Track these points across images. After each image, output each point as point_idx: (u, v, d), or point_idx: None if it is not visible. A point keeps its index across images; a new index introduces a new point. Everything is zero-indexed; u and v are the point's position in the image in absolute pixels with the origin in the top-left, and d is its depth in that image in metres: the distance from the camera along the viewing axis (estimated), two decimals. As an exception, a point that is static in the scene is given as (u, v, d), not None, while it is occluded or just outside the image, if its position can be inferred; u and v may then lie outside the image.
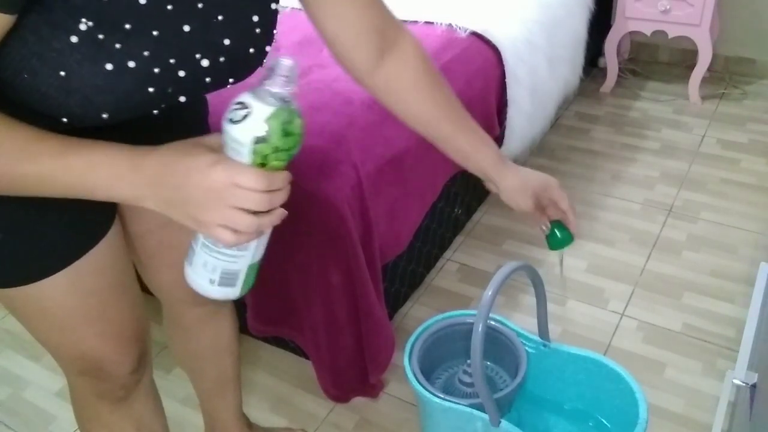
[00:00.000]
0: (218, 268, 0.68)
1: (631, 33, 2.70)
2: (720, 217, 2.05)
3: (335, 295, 1.33)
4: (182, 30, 0.66)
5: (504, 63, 1.84)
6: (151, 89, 0.67)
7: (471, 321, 1.21)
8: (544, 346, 1.16)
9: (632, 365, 1.55)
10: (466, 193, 1.95)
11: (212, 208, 0.61)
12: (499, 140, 1.92)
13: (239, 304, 1.36)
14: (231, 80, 0.76)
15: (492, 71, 1.81)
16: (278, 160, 0.63)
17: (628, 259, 1.90)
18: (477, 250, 1.97)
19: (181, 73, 0.69)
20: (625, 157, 2.36)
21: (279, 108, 0.61)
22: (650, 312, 1.72)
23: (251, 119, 0.60)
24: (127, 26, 0.62)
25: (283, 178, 0.63)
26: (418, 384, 1.11)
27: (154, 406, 1.09)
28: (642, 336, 1.65)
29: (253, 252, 0.69)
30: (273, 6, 0.74)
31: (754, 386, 1.05)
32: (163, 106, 0.71)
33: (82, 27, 0.60)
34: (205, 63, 0.70)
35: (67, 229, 0.78)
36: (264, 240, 0.69)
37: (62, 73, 0.62)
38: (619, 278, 1.83)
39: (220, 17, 0.69)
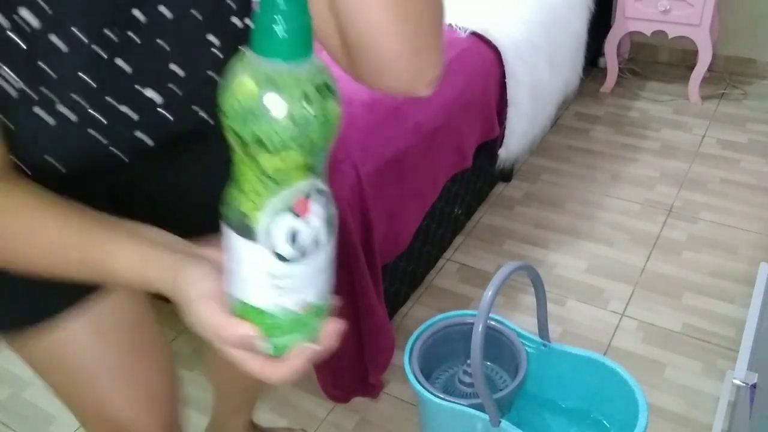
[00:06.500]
0: None
1: (631, 33, 2.70)
2: (720, 217, 2.05)
3: (335, 295, 1.33)
4: (116, 65, 0.59)
5: (504, 63, 1.84)
6: (98, 135, 0.61)
7: (471, 321, 1.21)
8: (544, 346, 1.16)
9: (632, 365, 1.55)
10: (466, 193, 1.95)
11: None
12: (499, 140, 1.93)
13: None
14: (201, 109, 0.68)
15: (492, 71, 1.81)
16: None
17: (628, 259, 1.90)
18: (477, 250, 1.97)
19: (134, 116, 0.62)
20: (625, 157, 2.36)
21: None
22: (650, 312, 1.72)
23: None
24: (54, 76, 0.56)
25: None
26: (418, 384, 1.11)
27: None
28: (642, 336, 1.65)
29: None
30: (236, 23, 0.65)
31: (754, 386, 1.05)
32: (131, 155, 0.65)
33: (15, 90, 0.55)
34: (157, 99, 0.63)
35: None
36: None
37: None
38: (619, 278, 1.83)
39: (159, 41, 0.61)
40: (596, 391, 1.15)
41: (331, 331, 0.52)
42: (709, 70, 2.63)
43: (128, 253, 0.55)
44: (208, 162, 0.74)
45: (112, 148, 0.62)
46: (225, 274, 0.51)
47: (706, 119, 2.57)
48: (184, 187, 0.79)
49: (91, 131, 0.60)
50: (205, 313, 0.50)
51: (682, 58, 2.92)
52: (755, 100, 2.68)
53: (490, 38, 1.83)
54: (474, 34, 1.81)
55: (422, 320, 1.27)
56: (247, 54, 0.43)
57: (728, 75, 2.83)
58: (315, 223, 0.48)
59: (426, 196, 1.60)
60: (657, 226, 2.02)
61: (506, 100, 1.88)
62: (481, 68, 1.77)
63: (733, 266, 1.85)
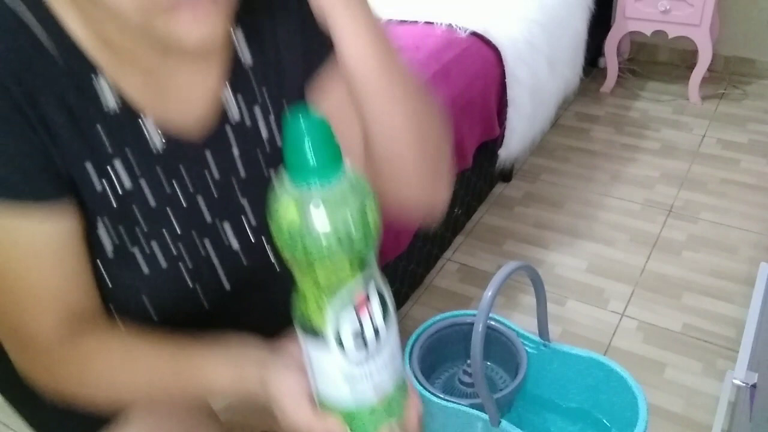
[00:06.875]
0: None
1: (631, 33, 2.70)
2: (720, 217, 2.05)
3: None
4: (196, 202, 0.65)
5: (504, 63, 1.84)
6: (186, 277, 0.65)
7: (471, 321, 1.21)
8: (544, 346, 1.16)
9: (632, 365, 1.55)
10: (466, 193, 1.95)
11: None
12: (499, 140, 1.93)
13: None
14: (270, 252, 0.72)
15: (492, 71, 1.81)
16: None
17: (628, 259, 1.90)
18: (477, 250, 1.97)
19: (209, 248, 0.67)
20: (625, 157, 2.36)
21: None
22: (650, 312, 1.72)
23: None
24: (142, 218, 0.61)
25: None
26: (418, 384, 1.11)
27: None
28: (642, 336, 1.65)
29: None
30: None
31: (754, 386, 1.05)
32: (209, 298, 0.69)
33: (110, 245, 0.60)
34: (228, 230, 0.67)
35: None
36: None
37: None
38: (619, 278, 1.83)
39: (232, 178, 0.67)
40: (596, 391, 1.15)
41: (412, 409, 0.56)
42: (709, 70, 2.62)
43: (224, 369, 0.59)
44: (274, 296, 0.76)
45: (196, 289, 0.66)
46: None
47: (706, 119, 2.57)
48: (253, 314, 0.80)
49: (179, 272, 0.64)
50: (293, 411, 0.54)
51: (682, 58, 2.92)
52: (755, 100, 2.68)
53: (490, 38, 1.83)
54: (474, 34, 1.81)
55: (422, 320, 1.27)
56: (286, 178, 0.45)
57: (728, 75, 2.83)
58: (376, 313, 0.50)
59: (426, 196, 1.60)
60: (657, 226, 2.02)
61: (506, 100, 1.88)
62: (481, 68, 1.77)
63: (733, 266, 1.85)
